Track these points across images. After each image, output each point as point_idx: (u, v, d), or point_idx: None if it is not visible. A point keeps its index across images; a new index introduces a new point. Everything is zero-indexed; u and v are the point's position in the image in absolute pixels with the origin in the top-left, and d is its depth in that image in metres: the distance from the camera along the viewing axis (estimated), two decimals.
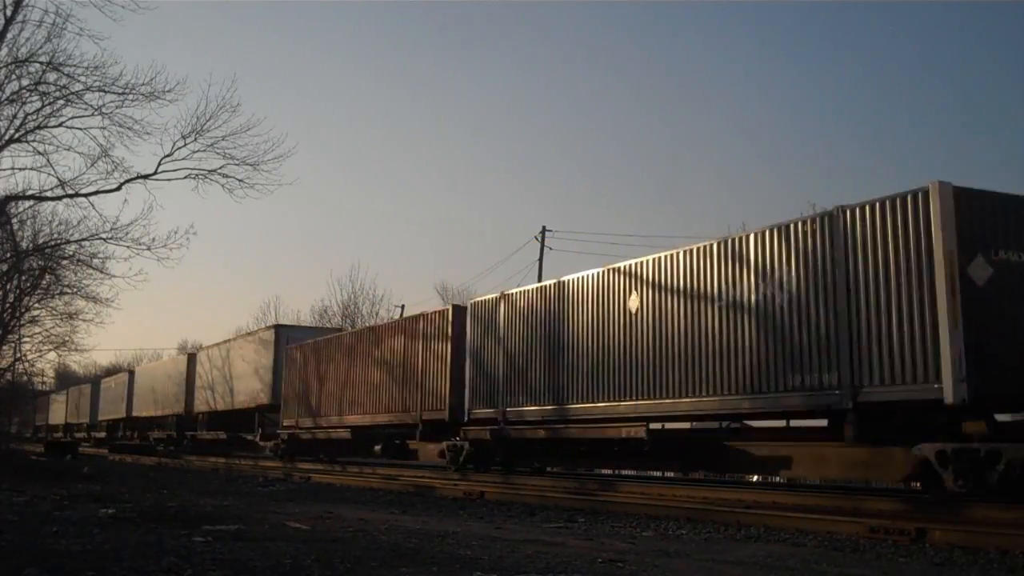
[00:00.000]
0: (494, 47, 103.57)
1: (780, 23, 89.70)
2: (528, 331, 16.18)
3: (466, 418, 17.57)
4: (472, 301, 18.21)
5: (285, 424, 26.36)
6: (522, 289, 16.82)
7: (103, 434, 50.36)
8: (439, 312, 19.39)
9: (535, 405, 15.68)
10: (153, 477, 18.44)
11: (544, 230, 37.41)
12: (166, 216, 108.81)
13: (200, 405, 34.83)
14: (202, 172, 20.05)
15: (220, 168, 20.03)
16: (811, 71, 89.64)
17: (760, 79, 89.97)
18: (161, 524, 7.63)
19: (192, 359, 36.59)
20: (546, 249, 37.01)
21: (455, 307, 19.16)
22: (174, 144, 19.75)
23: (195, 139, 19.68)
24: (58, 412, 62.02)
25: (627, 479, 15.49)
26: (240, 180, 20.10)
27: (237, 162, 20.00)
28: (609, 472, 17.99)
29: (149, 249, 20.05)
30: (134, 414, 43.47)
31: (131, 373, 45.98)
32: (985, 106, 75.27)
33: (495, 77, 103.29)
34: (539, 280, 30.93)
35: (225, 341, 34.07)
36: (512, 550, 6.37)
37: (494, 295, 17.39)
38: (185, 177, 20.08)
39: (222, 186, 20.22)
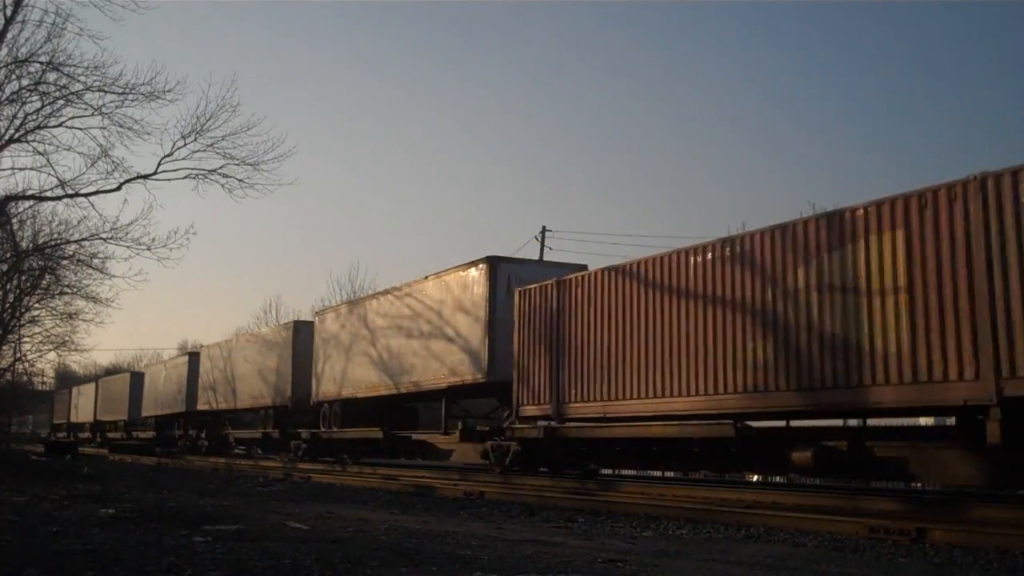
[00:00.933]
0: (494, 47, 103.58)
1: (780, 23, 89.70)
2: None
3: None
4: None
5: (527, 414, 15.88)
6: None
7: (151, 434, 41.58)
8: None
9: None
10: (153, 477, 18.44)
11: (544, 230, 37.33)
12: (166, 216, 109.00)
13: (324, 391, 24.72)
14: (202, 172, 20.09)
15: (220, 168, 20.06)
16: (811, 71, 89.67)
17: (760, 79, 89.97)
18: (161, 524, 7.62)
19: (301, 329, 26.97)
20: (546, 249, 36.85)
21: None
22: (174, 144, 19.80)
23: (195, 139, 19.72)
24: (83, 408, 53.85)
25: (627, 479, 15.44)
26: (240, 180, 20.12)
27: (237, 162, 20.01)
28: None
29: (149, 249, 20.14)
30: (200, 407, 34.47)
31: (193, 355, 37.02)
32: (985, 106, 75.22)
33: (495, 77, 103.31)
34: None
35: (376, 295, 22.94)
36: (512, 550, 6.37)
37: None
38: (185, 177, 20.13)
39: (222, 186, 20.26)
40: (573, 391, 14.79)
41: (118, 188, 19.90)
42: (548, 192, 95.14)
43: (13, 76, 18.49)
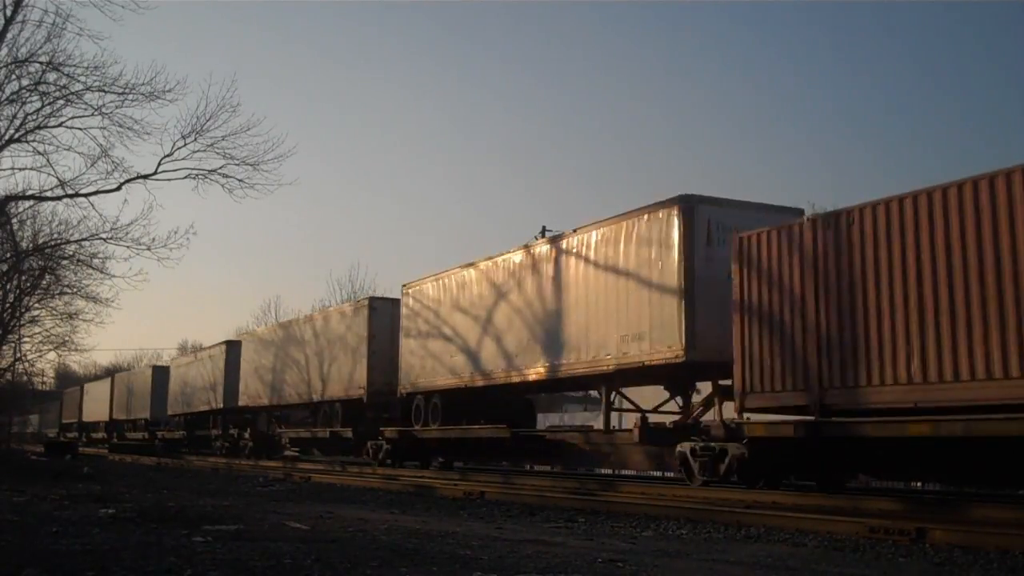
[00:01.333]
0: (494, 46, 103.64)
1: (780, 23, 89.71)
2: None
3: None
4: None
5: (758, 405, 11.92)
6: None
7: (179, 434, 37.64)
8: None
9: None
10: (153, 477, 18.45)
11: (544, 230, 37.29)
12: (166, 216, 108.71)
13: (416, 380, 20.15)
14: (202, 172, 20.14)
15: (220, 168, 20.12)
16: (810, 71, 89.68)
17: (760, 79, 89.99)
18: (161, 524, 7.61)
19: (378, 307, 22.29)
20: None
21: None
22: (174, 144, 19.84)
23: (195, 139, 19.78)
24: (96, 407, 50.38)
25: (627, 479, 15.42)
26: (240, 180, 20.17)
27: (237, 162, 20.05)
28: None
29: (149, 249, 20.20)
30: (241, 403, 30.22)
31: (232, 344, 32.13)
32: (984, 106, 75.24)
33: (495, 76, 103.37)
34: None
35: (499, 255, 18.50)
36: (512, 550, 6.36)
37: None
38: (185, 177, 20.18)
39: (222, 186, 20.32)
40: (851, 372, 10.59)
41: (118, 188, 19.98)
42: (548, 192, 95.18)
43: (13, 76, 18.58)
